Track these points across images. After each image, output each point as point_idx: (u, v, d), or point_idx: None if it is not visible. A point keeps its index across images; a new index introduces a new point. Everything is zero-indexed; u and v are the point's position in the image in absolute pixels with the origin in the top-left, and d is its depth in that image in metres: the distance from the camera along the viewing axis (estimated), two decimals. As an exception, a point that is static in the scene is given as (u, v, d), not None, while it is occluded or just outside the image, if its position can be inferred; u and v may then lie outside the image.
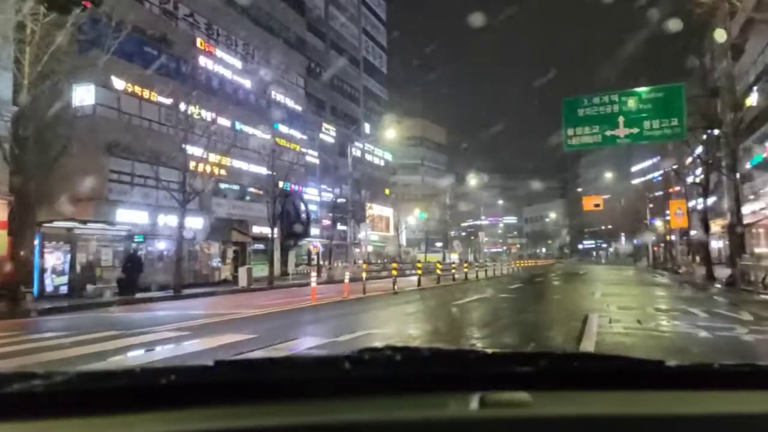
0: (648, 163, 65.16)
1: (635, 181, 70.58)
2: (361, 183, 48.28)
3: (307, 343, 7.18)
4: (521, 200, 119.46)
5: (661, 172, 53.61)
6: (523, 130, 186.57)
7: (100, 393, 0.95)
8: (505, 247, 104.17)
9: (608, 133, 18.07)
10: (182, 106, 20.30)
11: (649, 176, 62.73)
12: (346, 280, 13.78)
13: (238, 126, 29.54)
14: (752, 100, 24.04)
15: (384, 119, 55.45)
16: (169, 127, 22.17)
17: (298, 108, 37.48)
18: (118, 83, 22.46)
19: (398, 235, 52.57)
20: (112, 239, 18.25)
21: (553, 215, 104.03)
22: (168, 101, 22.26)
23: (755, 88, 26.02)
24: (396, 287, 16.07)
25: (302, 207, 35.87)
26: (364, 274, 14.91)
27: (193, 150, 21.86)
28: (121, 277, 16.48)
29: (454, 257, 58.58)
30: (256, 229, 30.31)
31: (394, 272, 16.58)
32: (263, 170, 28.27)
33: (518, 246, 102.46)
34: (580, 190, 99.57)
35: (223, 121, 27.04)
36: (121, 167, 22.89)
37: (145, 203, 23.44)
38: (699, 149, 23.85)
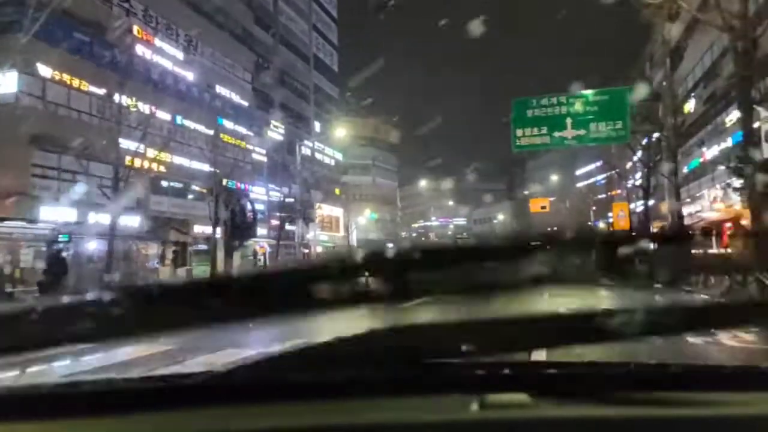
0: (592, 166, 67.35)
1: (579, 185, 72.85)
2: (310, 182, 47.39)
3: (232, 356, 6.46)
4: (471, 202, 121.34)
5: (605, 175, 55.54)
6: (475, 133, 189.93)
7: (102, 397, 0.96)
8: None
9: (556, 134, 18.15)
10: (116, 97, 18.97)
11: (592, 180, 64.85)
12: None
13: (180, 120, 28.13)
14: (690, 106, 24.88)
15: (335, 118, 54.73)
16: (102, 119, 20.73)
17: (245, 103, 36.24)
18: (45, 70, 20.80)
19: (348, 235, 51.84)
20: (34, 239, 16.77)
21: (501, 217, 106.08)
22: (100, 91, 20.82)
23: (693, 94, 27.03)
24: None
25: (248, 206, 34.65)
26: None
27: (128, 144, 20.54)
28: (42, 279, 15.10)
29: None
30: (198, 229, 28.97)
31: None
32: (207, 167, 27.03)
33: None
34: (527, 192, 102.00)
35: (163, 115, 25.70)
36: (47, 161, 21.16)
37: (73, 200, 21.80)
38: (640, 153, 24.49)
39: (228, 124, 33.13)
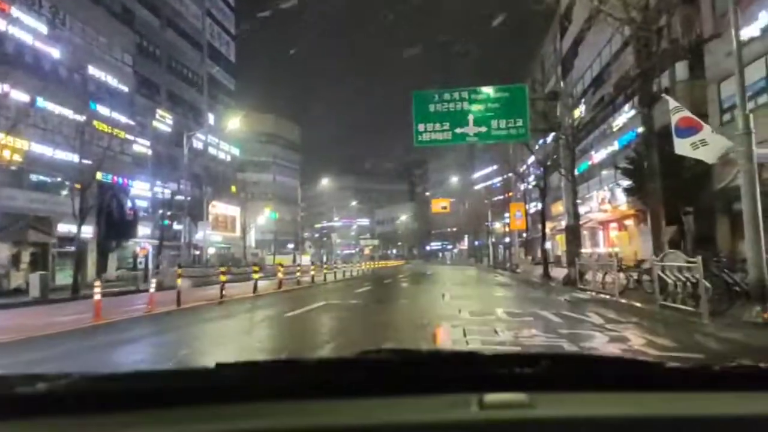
0: (489, 169, 69.62)
1: (478, 186, 75.19)
2: (203, 178, 44.12)
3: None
4: (374, 203, 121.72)
5: (501, 178, 57.39)
6: (378, 134, 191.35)
7: (101, 395, 0.95)
8: (357, 249, 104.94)
9: (458, 130, 17.56)
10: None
11: (489, 182, 67.04)
12: (152, 289, 10.83)
13: (42, 102, 24.41)
14: (581, 110, 25.68)
15: (232, 111, 51.61)
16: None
17: (124, 89, 32.60)
18: None
19: (245, 235, 49.09)
20: None
21: (403, 217, 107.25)
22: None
23: (582, 100, 28.06)
24: (224, 295, 13.61)
25: (128, 203, 31.20)
26: (178, 281, 12.07)
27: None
28: None
29: (306, 259, 56.85)
30: (64, 228, 25.33)
31: (222, 278, 13.95)
32: (76, 157, 23.63)
33: (371, 247, 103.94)
34: (428, 194, 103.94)
35: (19, 95, 22.09)
36: None
37: None
38: (537, 152, 24.86)
39: (103, 110, 29.53)
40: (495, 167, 63.63)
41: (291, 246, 70.56)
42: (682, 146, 7.56)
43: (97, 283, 9.48)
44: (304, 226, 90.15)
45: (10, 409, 0.90)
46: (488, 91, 17.56)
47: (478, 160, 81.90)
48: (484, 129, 17.44)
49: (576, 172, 33.34)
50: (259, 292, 15.99)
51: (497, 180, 61.33)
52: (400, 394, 0.94)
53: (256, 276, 16.82)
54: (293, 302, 13.14)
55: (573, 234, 17.22)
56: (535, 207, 40.51)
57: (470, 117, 17.56)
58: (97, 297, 9.12)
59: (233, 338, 7.83)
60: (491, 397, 0.90)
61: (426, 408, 0.90)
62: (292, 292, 17.36)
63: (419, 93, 18.03)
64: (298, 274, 19.15)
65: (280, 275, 18.55)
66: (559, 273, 20.98)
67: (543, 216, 22.29)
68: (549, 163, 21.60)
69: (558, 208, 41.59)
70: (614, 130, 25.75)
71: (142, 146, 35.76)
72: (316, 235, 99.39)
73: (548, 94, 18.18)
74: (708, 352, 6.30)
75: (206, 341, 7.64)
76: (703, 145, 7.31)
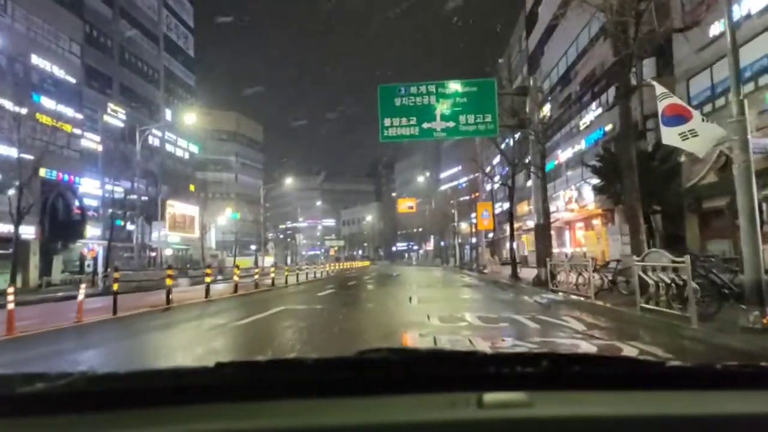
0: (455, 169, 69.47)
1: (444, 187, 75.01)
2: (159, 176, 42.22)
3: None
4: (340, 203, 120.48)
5: (467, 178, 57.15)
6: (344, 134, 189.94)
7: (100, 394, 0.95)
8: (323, 250, 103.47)
9: (425, 125, 16.82)
10: None
11: (456, 182, 66.86)
12: (81, 296, 9.48)
13: (-25, 92, 22.52)
14: (548, 108, 25.34)
15: (191, 107, 49.68)
16: None
17: (72, 80, 30.67)
18: None
19: (203, 236, 47.33)
20: None
21: (369, 218, 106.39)
22: None
23: (549, 98, 27.78)
24: (172, 300, 12.39)
25: (75, 201, 29.34)
26: (115, 286, 10.76)
27: None
28: None
29: (269, 261, 55.49)
30: (4, 228, 23.44)
31: (169, 281, 12.69)
32: (14, 151, 21.85)
33: (336, 248, 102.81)
34: (394, 194, 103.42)
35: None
36: None
37: None
38: (499, 156, 24.36)
39: (48, 102, 27.64)
40: (461, 167, 63.61)
41: (254, 247, 68.74)
42: (669, 136, 6.94)
43: (10, 290, 8.17)
44: (268, 226, 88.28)
45: (10, 409, 0.90)
46: (456, 85, 16.88)
47: (445, 159, 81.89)
48: (452, 124, 16.74)
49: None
50: (212, 297, 14.82)
51: (463, 180, 61.15)
52: (399, 393, 0.94)
53: (208, 279, 15.63)
54: (248, 308, 12.07)
55: (543, 233, 16.67)
56: (500, 207, 40.28)
57: (437, 112, 16.84)
58: (11, 306, 7.80)
59: (165, 354, 6.77)
60: (490, 396, 0.90)
61: (425, 407, 0.90)
62: (249, 296, 16.23)
63: (385, 87, 17.19)
64: (256, 276, 17.91)
65: (236, 278, 17.33)
66: (527, 274, 20.48)
67: (511, 215, 21.80)
68: (516, 161, 21.07)
69: (523, 208, 41.51)
70: (581, 128, 25.53)
71: (91, 141, 33.80)
72: (281, 236, 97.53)
73: (517, 89, 17.58)
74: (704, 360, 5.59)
75: (127, 358, 6.55)
76: (693, 136, 6.69)
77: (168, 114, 45.55)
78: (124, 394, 0.94)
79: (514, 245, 36.92)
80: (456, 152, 71.89)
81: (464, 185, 58.22)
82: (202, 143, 62.26)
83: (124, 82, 38.93)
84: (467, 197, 48.94)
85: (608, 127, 21.37)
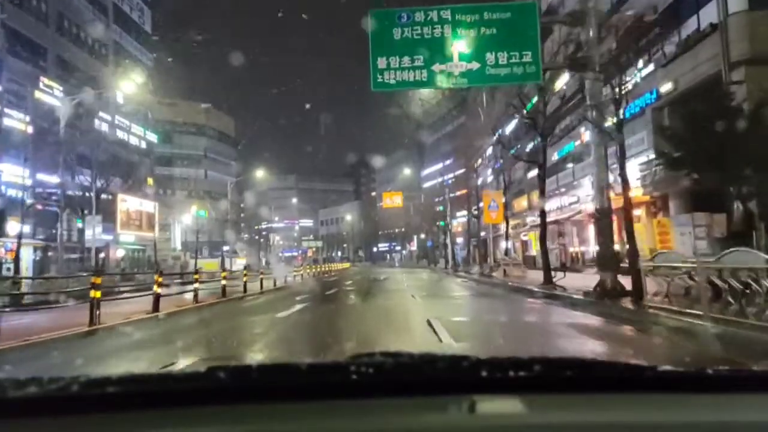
0: (440, 165, 64.62)
1: (428, 184, 70.26)
2: (107, 166, 36.39)
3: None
4: (317, 203, 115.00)
5: (453, 175, 52.28)
6: (321, 128, 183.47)
7: (93, 398, 0.92)
8: (300, 251, 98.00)
9: (437, 67, 11.74)
10: None
11: (441, 178, 61.87)
12: None
13: None
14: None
15: (149, 92, 43.80)
16: None
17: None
18: None
19: (155, 235, 41.77)
20: None
21: (348, 218, 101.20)
22: None
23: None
24: (98, 319, 7.14)
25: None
26: None
27: None
28: None
29: (241, 263, 50.10)
30: None
31: (95, 293, 8.04)
32: None
33: (314, 249, 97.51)
34: (374, 194, 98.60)
35: None
36: None
37: None
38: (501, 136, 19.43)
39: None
40: (448, 162, 58.83)
41: (226, 248, 62.95)
42: None
43: None
44: (243, 227, 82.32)
45: (3, 413, 0.89)
46: (482, 7, 11.81)
47: (429, 155, 77.20)
48: (475, 65, 11.65)
49: (555, 158, 28.60)
50: (165, 309, 10.09)
51: (449, 176, 56.28)
52: (392, 397, 0.93)
53: (157, 289, 10.74)
54: (162, 341, 6.91)
55: (604, 221, 11.73)
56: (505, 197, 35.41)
57: (454, 48, 11.75)
58: None
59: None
60: (484, 401, 0.89)
61: (417, 411, 0.89)
62: (178, 315, 10.97)
63: (379, 12, 12.06)
64: (196, 284, 13.00)
65: (197, 285, 12.89)
66: (567, 280, 15.31)
67: (543, 196, 16.72)
68: (546, 124, 16.04)
69: (521, 203, 36.79)
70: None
71: (18, 121, 28.07)
72: (257, 237, 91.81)
73: (568, 16, 12.55)
74: None
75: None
76: None
77: (119, 97, 39.67)
78: (117, 398, 0.91)
79: (509, 244, 32.50)
80: (441, 147, 67.39)
81: (450, 181, 53.21)
82: (164, 135, 56.35)
83: (62, 54, 33.06)
84: (459, 192, 44.12)
85: (665, 88, 16.54)
